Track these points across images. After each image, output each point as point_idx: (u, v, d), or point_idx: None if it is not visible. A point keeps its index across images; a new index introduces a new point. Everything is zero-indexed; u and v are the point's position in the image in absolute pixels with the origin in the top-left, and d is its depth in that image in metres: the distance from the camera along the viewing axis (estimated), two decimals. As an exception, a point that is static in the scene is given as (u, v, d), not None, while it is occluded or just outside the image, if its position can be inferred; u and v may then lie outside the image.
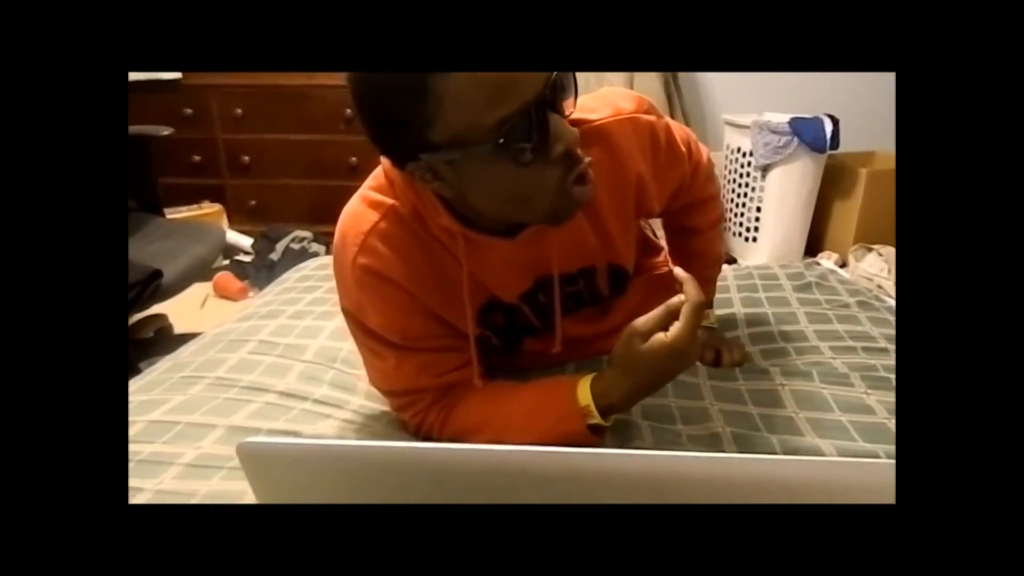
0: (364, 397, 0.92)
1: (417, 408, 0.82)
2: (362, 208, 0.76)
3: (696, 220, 0.97)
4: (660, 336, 0.68)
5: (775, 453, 0.75)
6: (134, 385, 0.95)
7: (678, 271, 0.70)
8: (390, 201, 0.75)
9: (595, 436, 0.75)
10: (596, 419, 0.73)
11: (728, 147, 2.48)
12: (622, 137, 0.78)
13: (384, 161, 0.75)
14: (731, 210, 2.50)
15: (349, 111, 2.36)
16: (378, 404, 0.90)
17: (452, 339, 0.80)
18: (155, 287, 1.45)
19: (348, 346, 0.96)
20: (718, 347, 0.99)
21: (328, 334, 1.07)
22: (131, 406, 0.86)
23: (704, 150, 0.94)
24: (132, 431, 0.80)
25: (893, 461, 0.37)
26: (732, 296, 1.21)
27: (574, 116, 0.68)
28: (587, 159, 0.67)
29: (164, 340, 1.92)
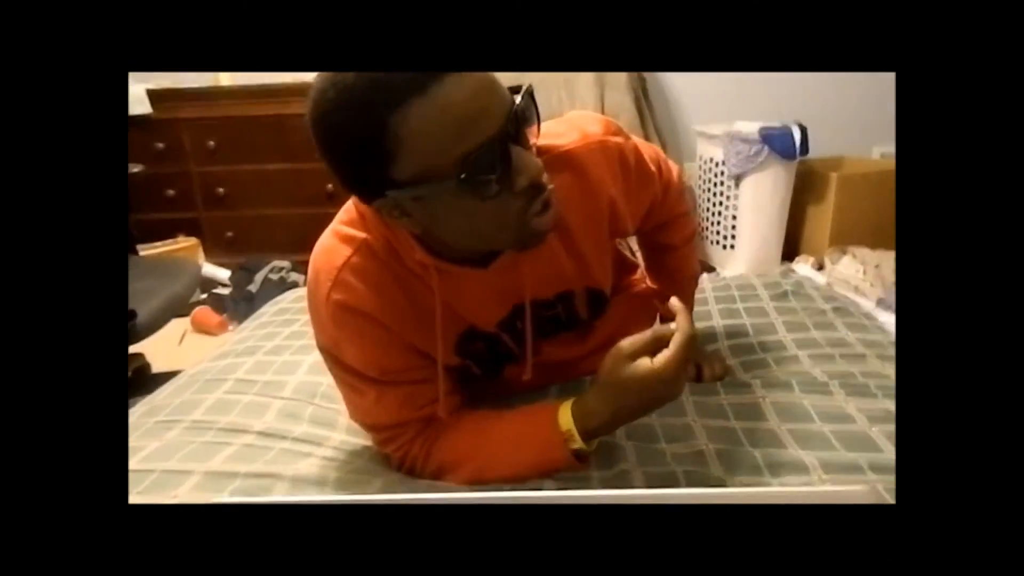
0: (345, 432, 0.91)
1: (399, 442, 0.81)
2: (334, 243, 0.76)
3: (670, 237, 0.98)
4: (646, 361, 0.68)
5: (758, 468, 0.75)
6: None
7: (673, 301, 0.71)
8: (362, 235, 0.74)
9: (579, 463, 0.75)
10: (579, 444, 0.73)
11: (701, 157, 2.51)
12: (591, 162, 0.78)
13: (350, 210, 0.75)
14: (707, 219, 2.52)
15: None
16: (360, 439, 0.89)
17: (431, 370, 0.79)
18: (130, 328, 1.42)
19: (328, 380, 0.95)
20: (699, 362, 0.99)
21: (307, 369, 1.06)
22: None
23: (675, 168, 0.94)
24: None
25: (870, 487, 0.37)
26: (711, 308, 1.21)
27: (542, 143, 0.69)
28: (550, 187, 0.67)
29: (142, 380, 1.88)
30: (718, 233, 2.47)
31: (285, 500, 0.60)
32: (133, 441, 0.88)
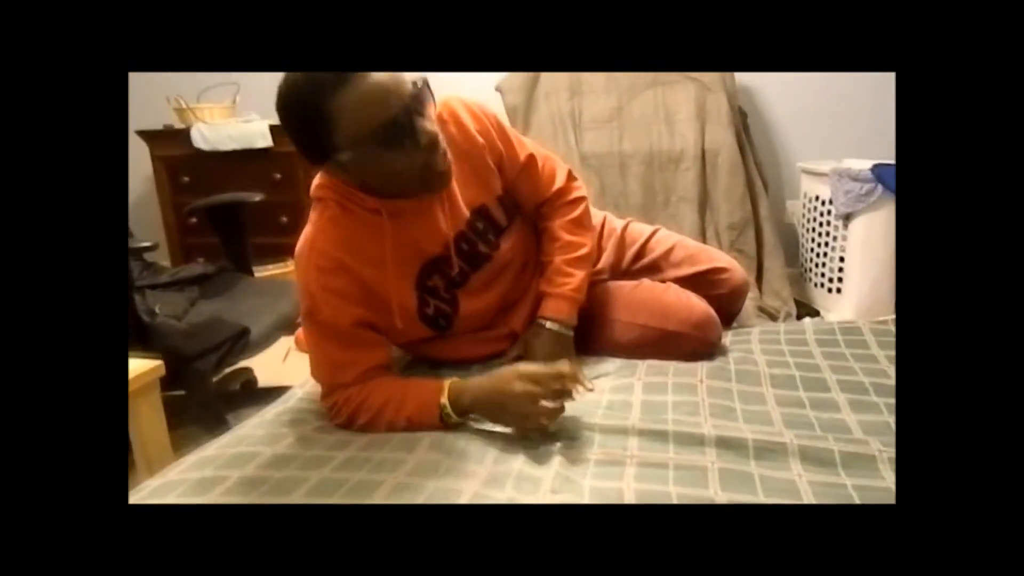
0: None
1: (346, 392, 0.99)
2: (309, 226, 1.01)
3: (551, 218, 1.18)
4: (528, 386, 0.88)
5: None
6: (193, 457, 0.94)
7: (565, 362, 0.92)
8: (328, 212, 0.99)
9: (446, 427, 0.95)
10: (450, 413, 0.94)
11: (805, 195, 2.41)
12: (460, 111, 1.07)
13: (317, 177, 1.02)
14: (811, 260, 2.40)
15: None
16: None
17: (384, 339, 1.04)
18: (243, 344, 1.53)
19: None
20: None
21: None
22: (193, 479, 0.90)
23: (562, 165, 1.20)
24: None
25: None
26: (813, 350, 1.15)
27: None
28: (444, 144, 0.93)
29: (249, 392, 2.01)
30: (823, 275, 2.35)
31: (282, 503, 0.61)
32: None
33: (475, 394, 0.94)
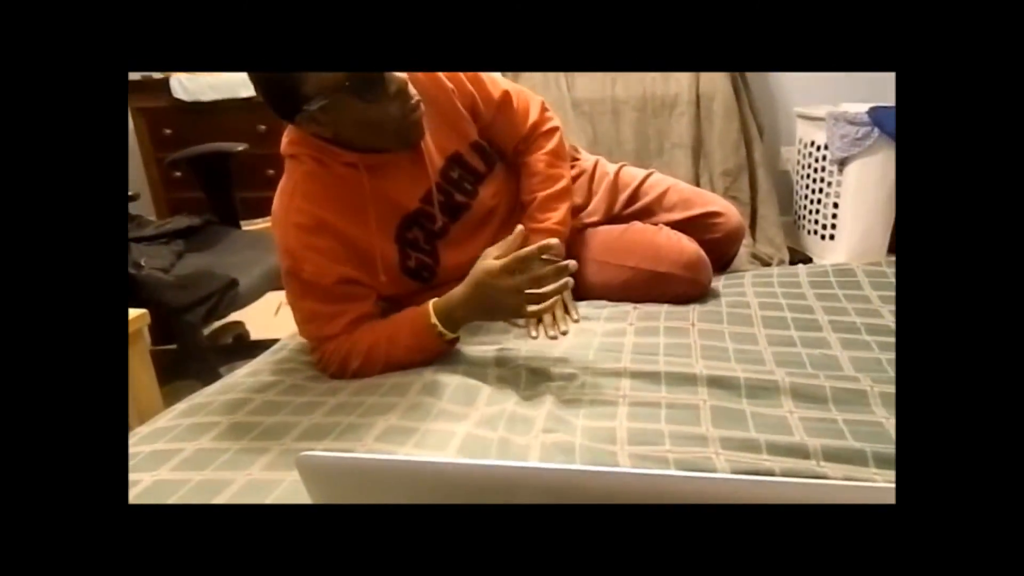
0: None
1: (334, 343, 0.98)
2: (285, 180, 1.01)
3: (529, 152, 1.17)
4: (496, 264, 0.88)
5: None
6: (183, 405, 0.94)
7: (518, 227, 0.91)
8: (301, 168, 0.98)
9: (448, 344, 0.98)
10: (443, 331, 0.95)
11: (800, 141, 2.37)
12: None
13: (286, 135, 1.02)
14: (805, 207, 2.39)
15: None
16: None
17: (370, 289, 1.02)
18: (232, 296, 1.51)
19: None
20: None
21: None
22: (179, 431, 0.84)
23: (535, 99, 1.19)
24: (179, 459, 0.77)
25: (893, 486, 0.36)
26: (807, 293, 1.15)
27: None
28: (416, 96, 0.94)
29: (241, 346, 2.01)
30: (816, 222, 2.33)
31: (282, 502, 0.62)
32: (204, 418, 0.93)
33: (461, 303, 0.93)
